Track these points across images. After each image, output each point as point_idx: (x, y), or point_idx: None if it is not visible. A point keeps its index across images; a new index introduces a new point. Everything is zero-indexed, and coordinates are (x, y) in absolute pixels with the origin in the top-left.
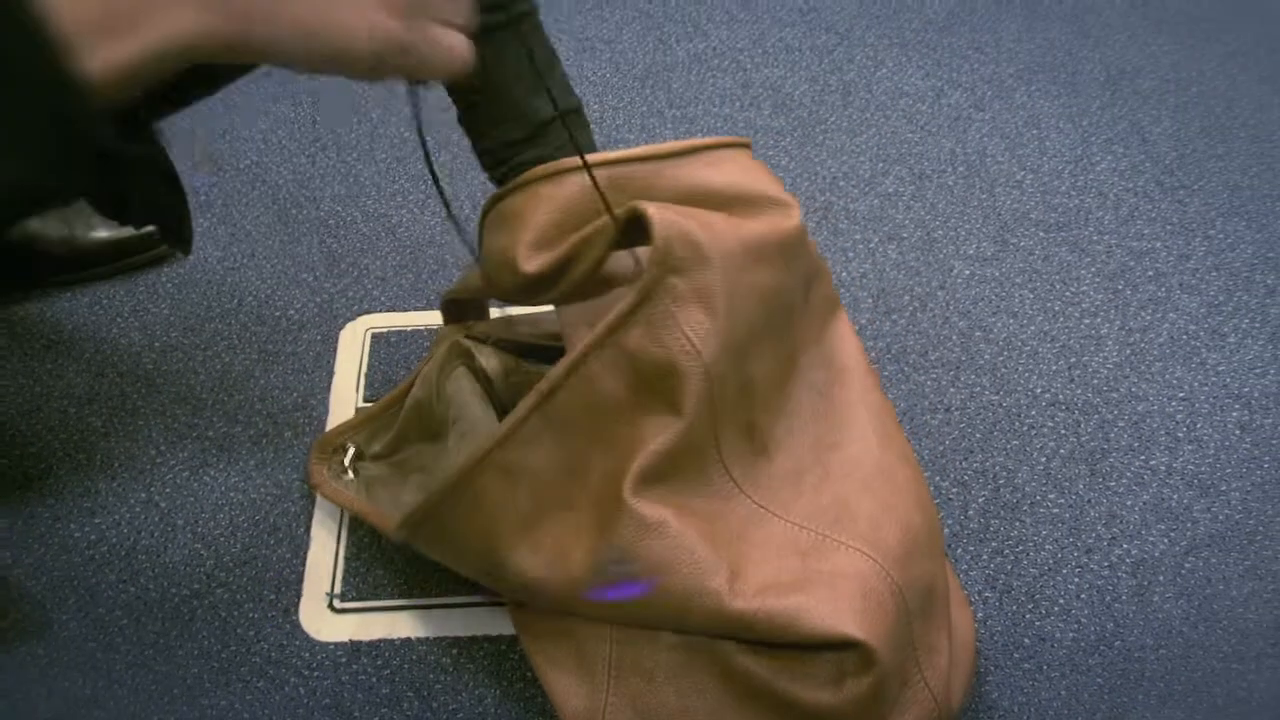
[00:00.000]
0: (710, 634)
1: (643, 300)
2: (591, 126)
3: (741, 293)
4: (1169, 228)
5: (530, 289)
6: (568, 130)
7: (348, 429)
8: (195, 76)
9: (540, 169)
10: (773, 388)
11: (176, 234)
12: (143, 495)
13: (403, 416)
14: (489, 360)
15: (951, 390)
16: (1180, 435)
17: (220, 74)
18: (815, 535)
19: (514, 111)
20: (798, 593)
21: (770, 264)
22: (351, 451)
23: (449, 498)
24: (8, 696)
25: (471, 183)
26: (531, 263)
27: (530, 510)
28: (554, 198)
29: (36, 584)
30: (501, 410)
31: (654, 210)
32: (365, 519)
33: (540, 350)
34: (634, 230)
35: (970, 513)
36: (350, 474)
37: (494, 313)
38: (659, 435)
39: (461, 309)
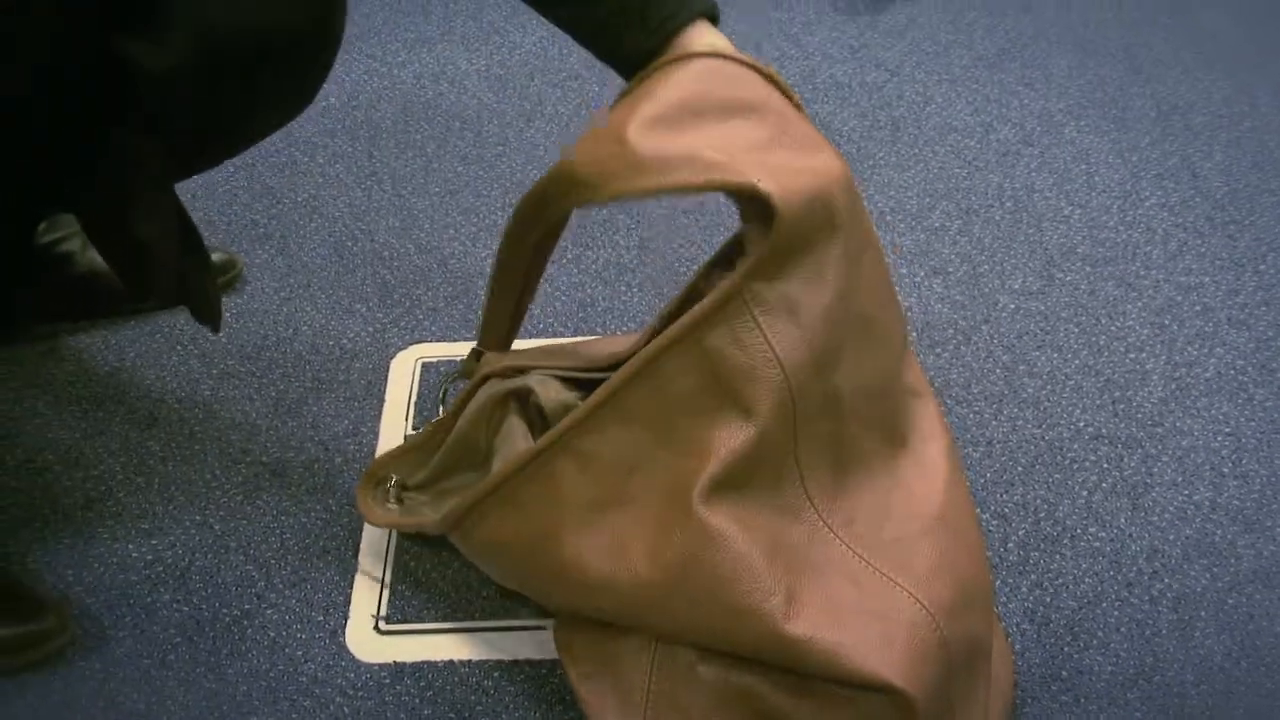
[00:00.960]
0: (755, 656)
1: (728, 302)
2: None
3: (832, 301)
4: (1218, 263)
5: (626, 168)
6: None
7: (391, 460)
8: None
9: (676, 53)
10: (862, 403)
11: (202, 310)
12: (198, 517)
13: (446, 448)
14: (544, 389)
15: (994, 424)
16: (1225, 471)
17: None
18: (874, 572)
19: None
20: (847, 629)
21: (856, 267)
22: (395, 480)
23: (522, 475)
24: (66, 710)
25: None
26: (644, 135)
27: (594, 499)
28: (684, 78)
29: (95, 601)
30: None
31: (779, 196)
32: (417, 529)
33: (586, 384)
34: (751, 202)
35: (1010, 545)
36: (394, 503)
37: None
38: (730, 441)
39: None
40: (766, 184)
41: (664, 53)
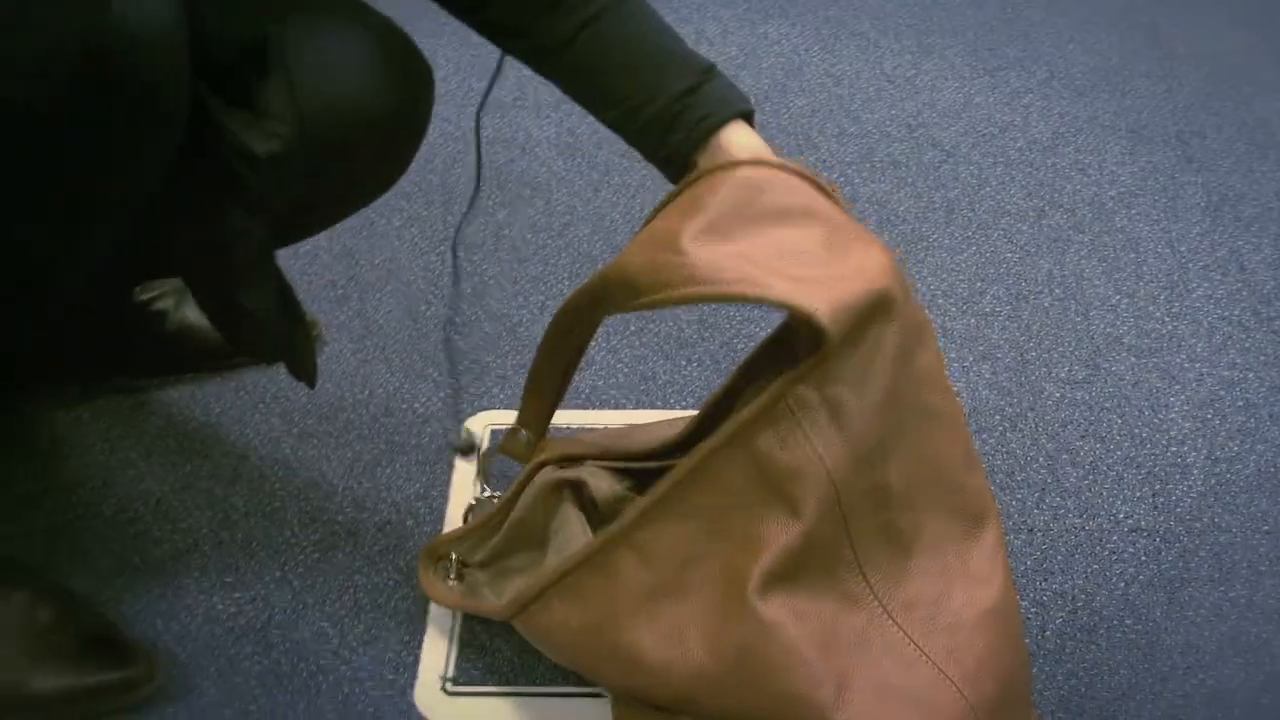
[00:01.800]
0: None
1: (774, 405)
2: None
3: (875, 399)
4: (1263, 358)
5: (683, 279)
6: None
7: (451, 540)
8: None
9: (720, 160)
10: (917, 489)
11: (301, 369)
12: (277, 573)
13: (505, 531)
14: (596, 481)
15: (1036, 512)
16: (1263, 569)
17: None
18: (926, 661)
19: (665, 69)
20: (893, 716)
21: (906, 365)
22: (455, 558)
23: (586, 566)
24: None
25: None
26: (699, 245)
27: (652, 588)
28: (730, 186)
29: (181, 650)
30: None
31: (823, 314)
32: (475, 613)
33: (637, 474)
34: (800, 326)
35: (1047, 633)
36: (454, 579)
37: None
38: (780, 536)
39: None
40: (816, 305)
41: (703, 152)
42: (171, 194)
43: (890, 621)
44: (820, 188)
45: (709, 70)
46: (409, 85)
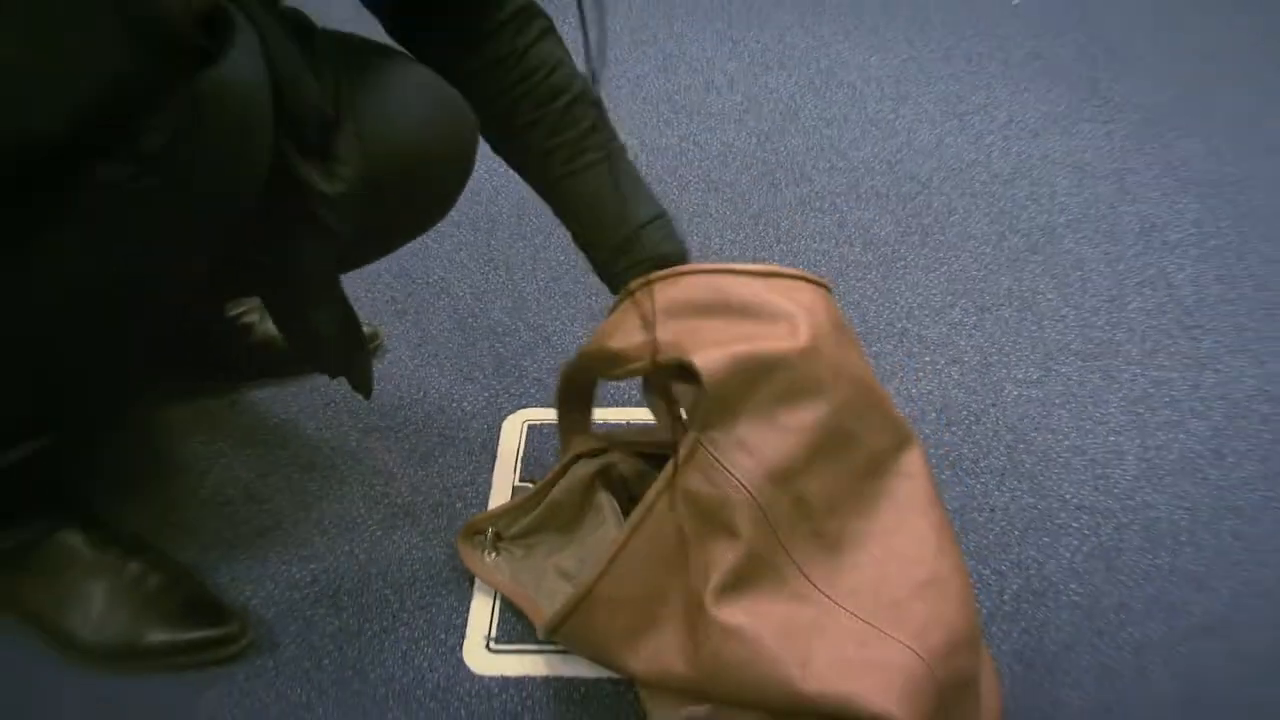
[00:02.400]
0: (787, 713)
1: (693, 452)
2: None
3: (779, 432)
4: (1185, 361)
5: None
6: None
7: (490, 517)
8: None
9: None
10: (838, 499)
11: (359, 383)
12: (346, 548)
13: (540, 511)
14: (625, 463)
15: (996, 493)
16: (1182, 539)
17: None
18: (875, 631)
19: (610, 227)
20: (854, 679)
21: (809, 403)
22: (491, 533)
23: (567, 620)
24: (244, 699)
25: None
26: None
27: (629, 628)
28: (676, 289)
29: (267, 612)
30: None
31: (703, 366)
32: (498, 589)
33: (655, 457)
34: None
35: (1005, 597)
36: (489, 553)
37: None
38: (726, 555)
39: (573, 387)
40: (695, 358)
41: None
42: (253, 226)
43: (839, 608)
44: (746, 272)
45: (658, 217)
46: (457, 132)
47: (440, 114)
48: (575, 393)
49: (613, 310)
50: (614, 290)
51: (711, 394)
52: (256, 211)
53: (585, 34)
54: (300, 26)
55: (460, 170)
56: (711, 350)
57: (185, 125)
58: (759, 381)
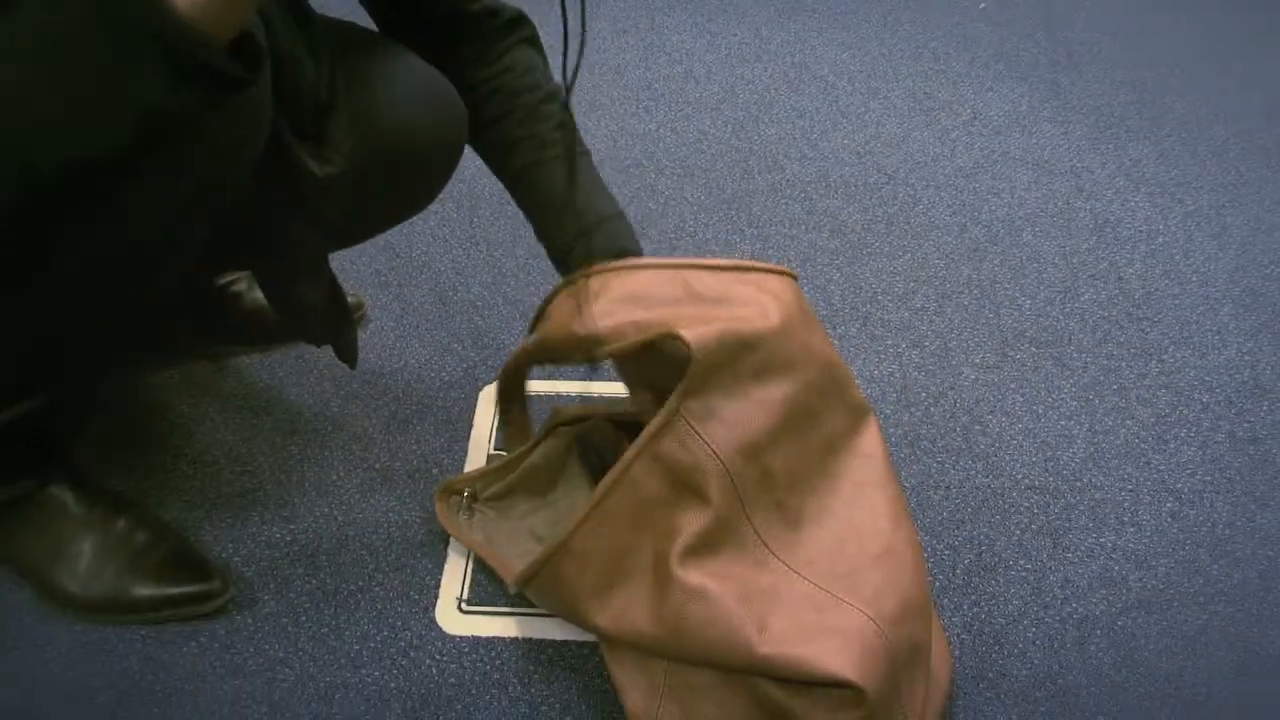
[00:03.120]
0: (744, 672)
1: (672, 418)
2: (639, 229)
3: (752, 407)
4: (1133, 350)
5: (595, 343)
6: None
7: (468, 479)
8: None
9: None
10: (801, 474)
11: (344, 352)
12: (325, 510)
13: (517, 475)
14: (600, 432)
15: (951, 472)
16: (1125, 519)
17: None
18: (831, 597)
19: (566, 219)
20: (811, 642)
21: (779, 380)
22: (467, 494)
23: (540, 572)
24: (225, 653)
25: None
26: (602, 319)
27: (597, 583)
28: (631, 279)
29: (248, 570)
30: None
31: (693, 340)
32: (472, 549)
33: (628, 425)
34: (677, 344)
35: (957, 571)
36: (465, 514)
37: (579, 387)
38: (694, 520)
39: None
40: (685, 332)
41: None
42: (247, 203)
43: (797, 576)
44: (713, 266)
45: (614, 216)
46: (448, 121)
47: (431, 103)
48: (516, 388)
49: (551, 299)
50: (564, 269)
51: (699, 366)
52: (250, 190)
53: (565, 41)
54: (300, 12)
55: (449, 157)
56: (699, 326)
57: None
58: (738, 358)
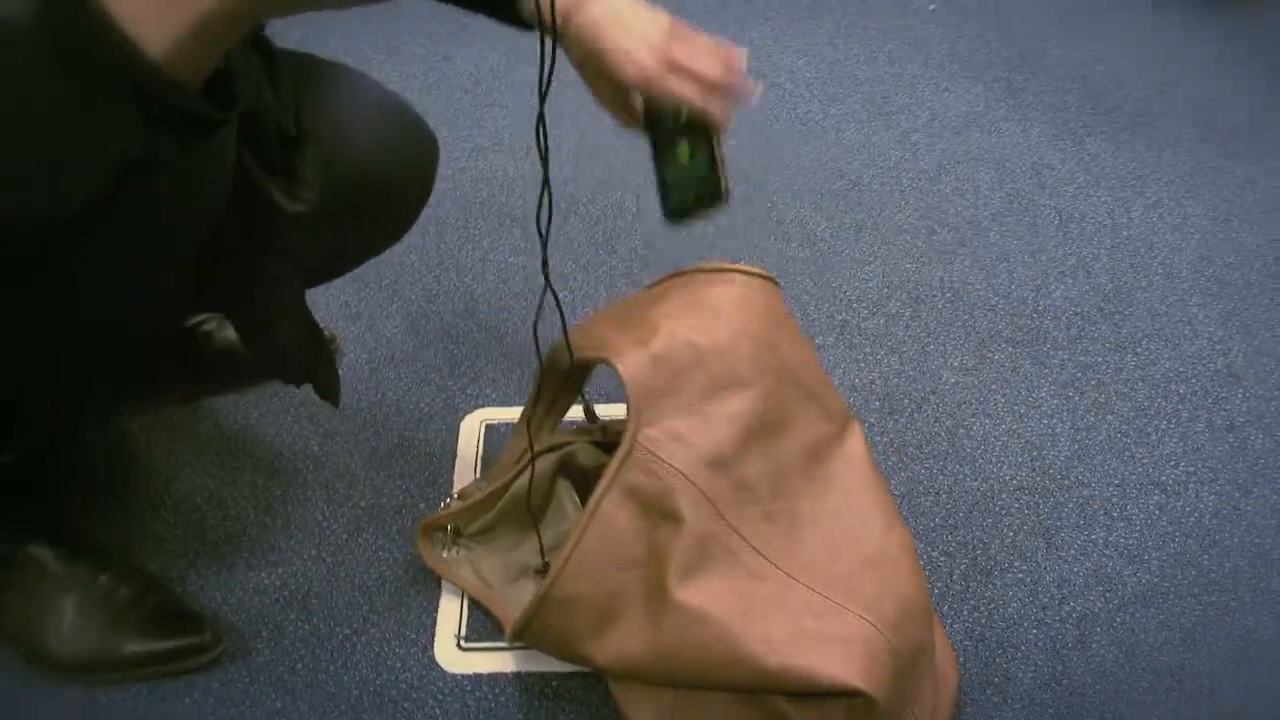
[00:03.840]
0: (752, 690)
1: (631, 449)
2: (608, 246)
3: (713, 421)
4: (1108, 345)
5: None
6: None
7: (449, 515)
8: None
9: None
10: (784, 482)
11: (325, 391)
12: (314, 551)
13: (501, 506)
14: (584, 454)
15: (940, 477)
16: (1114, 515)
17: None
18: (832, 604)
19: None
20: (815, 652)
21: (734, 394)
22: (450, 529)
23: (530, 624)
24: (220, 706)
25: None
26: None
27: (590, 625)
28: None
29: (238, 619)
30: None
31: (625, 371)
32: (461, 586)
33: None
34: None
35: (954, 577)
36: (449, 550)
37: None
38: (674, 540)
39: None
40: (620, 361)
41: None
42: (217, 243)
43: (794, 582)
44: (697, 270)
45: None
46: (419, 155)
47: (401, 137)
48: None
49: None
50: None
51: (636, 395)
52: (220, 229)
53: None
54: (261, 47)
55: (420, 191)
56: (633, 352)
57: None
58: (684, 377)
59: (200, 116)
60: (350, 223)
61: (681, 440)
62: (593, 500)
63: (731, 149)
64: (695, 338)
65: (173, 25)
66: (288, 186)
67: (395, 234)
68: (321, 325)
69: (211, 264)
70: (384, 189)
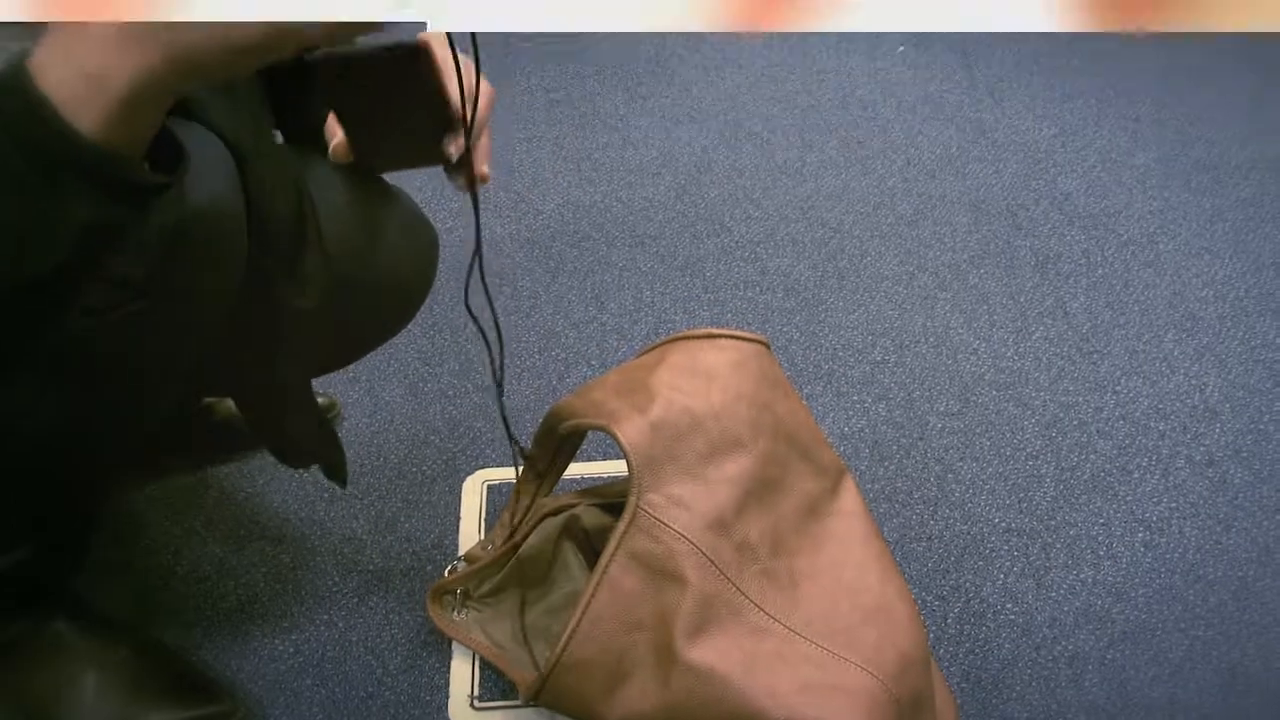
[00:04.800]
0: None
1: (634, 517)
2: (597, 303)
3: (713, 484)
4: (1087, 385)
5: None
6: None
7: (460, 578)
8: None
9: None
10: (782, 540)
11: (334, 474)
12: (325, 617)
13: (509, 570)
14: (588, 515)
15: (931, 522)
16: (1101, 553)
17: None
18: (834, 656)
19: None
20: (819, 705)
21: (732, 457)
22: (460, 592)
23: (543, 688)
24: None
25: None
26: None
27: (602, 688)
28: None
29: (255, 686)
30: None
31: (626, 439)
32: (472, 648)
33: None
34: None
35: (949, 620)
36: (459, 613)
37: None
38: (680, 602)
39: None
40: (620, 429)
41: None
42: (226, 338)
43: (797, 637)
44: (683, 337)
45: None
46: (419, 251)
47: (403, 235)
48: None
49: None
50: None
51: (637, 462)
52: (228, 324)
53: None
54: (264, 139)
55: (422, 286)
56: (633, 419)
57: (162, 251)
58: (683, 442)
59: (147, 184)
60: (353, 319)
61: (683, 505)
62: (599, 566)
63: (712, 199)
64: (692, 403)
65: (104, 104)
66: (293, 283)
67: (398, 326)
68: (321, 392)
69: (221, 355)
70: (389, 286)
